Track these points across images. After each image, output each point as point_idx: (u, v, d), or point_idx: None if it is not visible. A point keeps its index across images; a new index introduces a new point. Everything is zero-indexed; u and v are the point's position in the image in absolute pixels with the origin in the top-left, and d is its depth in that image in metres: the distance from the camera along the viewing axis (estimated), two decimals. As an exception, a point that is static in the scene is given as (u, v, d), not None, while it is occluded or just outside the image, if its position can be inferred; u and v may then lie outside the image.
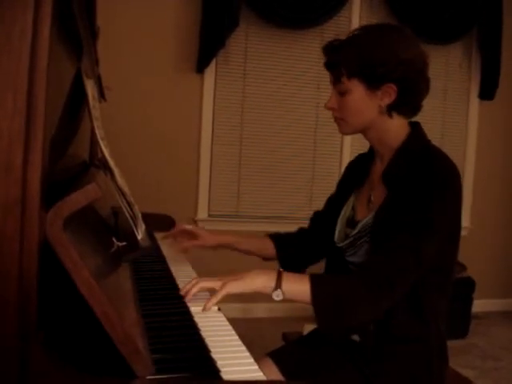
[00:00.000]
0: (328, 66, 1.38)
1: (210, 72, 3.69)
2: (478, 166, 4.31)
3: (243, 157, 3.86)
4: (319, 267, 1.61)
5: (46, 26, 0.70)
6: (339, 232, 1.48)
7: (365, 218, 1.39)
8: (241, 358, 1.00)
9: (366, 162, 1.52)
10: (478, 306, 4.01)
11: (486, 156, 4.34)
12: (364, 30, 1.35)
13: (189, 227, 1.70)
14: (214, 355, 0.98)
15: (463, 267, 3.69)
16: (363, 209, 1.44)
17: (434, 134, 3.82)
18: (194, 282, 1.26)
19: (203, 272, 1.63)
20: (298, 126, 3.95)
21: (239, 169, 3.86)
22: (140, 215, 1.35)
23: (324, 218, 1.63)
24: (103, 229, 1.20)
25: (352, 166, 1.63)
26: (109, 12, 3.10)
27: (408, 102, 1.35)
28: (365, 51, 1.29)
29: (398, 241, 1.23)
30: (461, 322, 3.66)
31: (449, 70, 4.21)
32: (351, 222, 1.46)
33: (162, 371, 0.88)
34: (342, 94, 1.35)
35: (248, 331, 1.85)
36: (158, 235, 2.01)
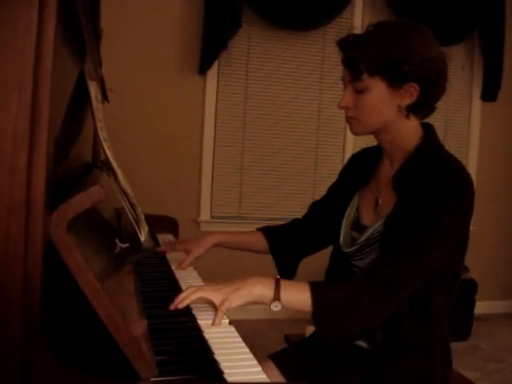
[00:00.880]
0: (346, 62, 1.31)
1: (212, 73, 3.69)
2: (480, 168, 4.31)
3: (245, 158, 3.86)
4: (322, 268, 1.60)
5: (50, 26, 0.70)
6: (344, 235, 1.45)
7: (373, 223, 1.36)
8: (244, 359, 1.00)
9: (372, 159, 1.47)
10: (481, 307, 4.00)
11: (489, 157, 4.34)
12: (382, 26, 1.29)
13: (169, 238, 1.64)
14: (217, 357, 0.98)
15: (465, 269, 3.68)
16: (370, 212, 1.41)
17: (437, 136, 3.81)
18: (190, 290, 1.19)
19: (204, 271, 1.64)
20: (301, 127, 3.95)
21: (241, 170, 3.86)
22: (143, 217, 1.35)
23: (324, 211, 1.59)
24: (106, 230, 1.20)
25: (357, 160, 1.57)
26: (111, 14, 3.09)
27: (427, 103, 1.32)
28: (388, 48, 1.24)
29: (405, 248, 1.21)
30: (463, 323, 3.65)
31: (451, 72, 4.18)
32: (357, 225, 1.43)
33: (166, 373, 0.88)
34: (359, 92, 1.29)
35: (249, 333, 1.85)
36: (161, 236, 2.02)
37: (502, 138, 4.37)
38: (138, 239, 1.26)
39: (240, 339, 1.10)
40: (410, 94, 1.28)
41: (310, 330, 2.06)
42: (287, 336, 1.90)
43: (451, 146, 4.26)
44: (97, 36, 1.51)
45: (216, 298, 1.17)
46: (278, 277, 1.21)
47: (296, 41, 3.87)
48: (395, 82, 1.26)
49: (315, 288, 1.19)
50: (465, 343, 3.58)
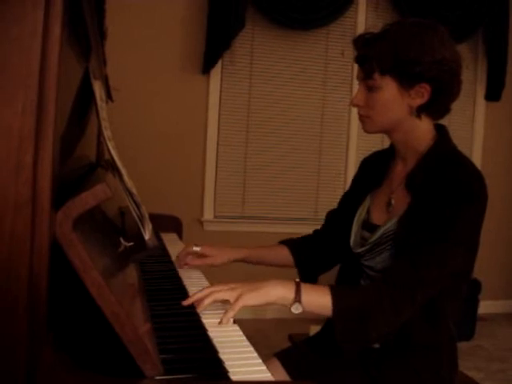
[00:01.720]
0: (359, 60, 1.31)
1: (215, 73, 3.69)
2: (483, 168, 4.29)
3: (249, 158, 3.86)
4: (333, 270, 1.59)
5: (57, 25, 0.70)
6: (355, 236, 1.44)
7: (385, 222, 1.35)
8: (249, 358, 1.00)
9: (384, 160, 1.47)
10: (484, 307, 3.99)
11: (492, 157, 4.33)
12: (398, 25, 1.29)
13: (196, 249, 1.55)
14: (222, 356, 0.97)
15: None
16: (381, 212, 1.40)
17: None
18: (206, 291, 1.17)
19: (208, 270, 1.62)
20: (304, 126, 3.95)
21: (245, 170, 3.86)
22: (147, 215, 1.35)
23: (339, 217, 1.57)
24: (111, 229, 1.20)
25: (368, 163, 1.56)
26: (116, 13, 3.10)
27: (439, 104, 1.30)
28: (400, 48, 1.24)
29: (423, 254, 1.20)
30: (467, 323, 3.64)
31: (455, 71, 4.19)
32: (367, 225, 1.42)
33: (171, 372, 0.87)
34: (371, 90, 1.29)
35: (254, 332, 1.85)
36: (164, 235, 2.02)
37: (506, 138, 4.37)
38: (143, 238, 1.25)
39: (244, 338, 1.09)
40: (421, 94, 1.27)
41: (314, 329, 2.06)
42: (291, 335, 1.90)
43: (455, 145, 4.25)
44: (102, 35, 1.51)
45: (230, 295, 1.15)
46: (298, 280, 1.20)
47: (300, 41, 3.87)
48: (406, 81, 1.26)
49: (336, 292, 1.18)
50: (468, 343, 3.58)
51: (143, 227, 1.26)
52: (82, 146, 1.32)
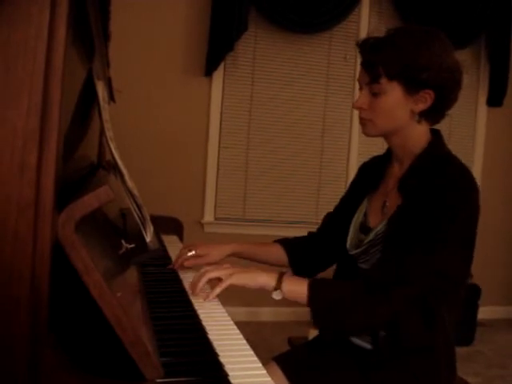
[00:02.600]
0: (365, 65, 1.32)
1: (218, 75, 3.70)
2: (485, 173, 4.30)
3: (250, 160, 3.86)
4: (330, 272, 1.60)
5: (62, 27, 0.70)
6: (351, 239, 1.46)
7: (378, 224, 1.37)
8: (248, 362, 1.00)
9: (381, 164, 1.49)
10: (484, 313, 3.99)
11: (494, 163, 4.33)
12: (404, 31, 1.32)
13: (191, 254, 1.58)
14: (222, 359, 0.98)
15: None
16: (377, 214, 1.42)
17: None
18: (201, 271, 1.31)
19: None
20: (305, 129, 3.95)
21: (246, 172, 3.86)
22: (149, 217, 1.35)
23: (336, 220, 1.60)
24: (112, 230, 1.20)
25: (366, 167, 1.59)
26: (119, 16, 3.10)
27: (440, 110, 1.33)
28: (408, 54, 1.26)
29: (405, 253, 1.22)
30: (466, 329, 3.64)
31: (457, 76, 4.19)
32: (364, 228, 1.44)
33: (171, 374, 0.88)
34: (375, 94, 1.31)
35: (253, 335, 1.85)
36: (165, 237, 2.02)
37: (507, 144, 4.36)
38: (144, 240, 1.25)
39: (244, 341, 1.10)
40: (425, 99, 1.29)
41: (313, 333, 2.06)
42: (291, 339, 1.90)
43: (456, 151, 4.17)
44: (106, 37, 1.51)
45: (222, 273, 1.28)
46: (284, 271, 1.29)
47: (302, 44, 3.87)
48: (412, 87, 1.28)
49: (314, 282, 1.26)
50: (468, 348, 3.58)
51: (144, 229, 1.26)
52: (84, 146, 1.32)
